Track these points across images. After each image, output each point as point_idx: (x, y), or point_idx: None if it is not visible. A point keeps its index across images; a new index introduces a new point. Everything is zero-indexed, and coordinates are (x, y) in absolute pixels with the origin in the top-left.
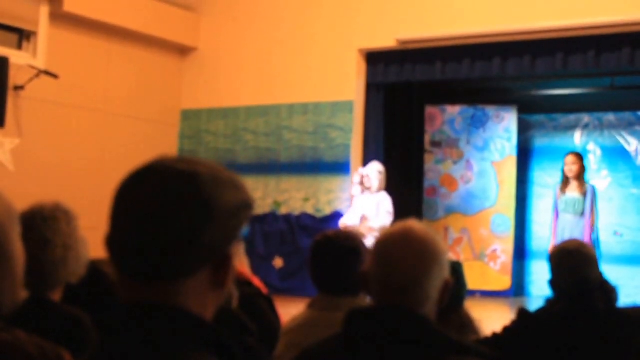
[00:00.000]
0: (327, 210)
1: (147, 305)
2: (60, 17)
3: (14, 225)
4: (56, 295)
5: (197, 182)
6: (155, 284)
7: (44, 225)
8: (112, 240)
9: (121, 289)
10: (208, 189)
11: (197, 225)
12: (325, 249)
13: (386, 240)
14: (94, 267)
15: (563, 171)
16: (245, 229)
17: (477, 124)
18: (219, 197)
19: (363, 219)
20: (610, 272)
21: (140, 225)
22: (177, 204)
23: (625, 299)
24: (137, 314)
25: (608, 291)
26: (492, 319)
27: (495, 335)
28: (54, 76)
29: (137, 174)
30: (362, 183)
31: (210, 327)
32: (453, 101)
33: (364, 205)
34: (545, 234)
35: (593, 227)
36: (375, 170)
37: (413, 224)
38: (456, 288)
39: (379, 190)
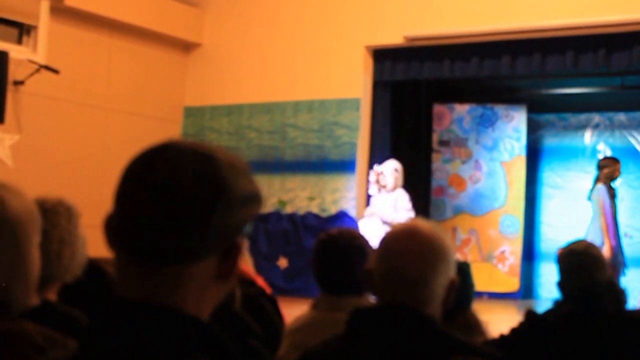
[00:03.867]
0: (333, 210)
1: (140, 305)
2: (61, 11)
3: (35, 229)
4: (51, 294)
5: (213, 163)
6: (158, 270)
7: (43, 217)
8: (120, 218)
9: (119, 278)
10: (224, 172)
11: (210, 205)
12: (330, 248)
13: (392, 237)
14: (93, 265)
15: (608, 175)
16: (250, 226)
17: (486, 123)
18: (233, 181)
19: (376, 216)
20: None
21: (151, 201)
22: (192, 182)
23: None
24: (130, 314)
25: (617, 293)
26: (499, 321)
27: (502, 337)
28: (55, 71)
29: (151, 151)
30: (377, 181)
31: (205, 328)
32: (461, 99)
33: (380, 204)
34: (554, 235)
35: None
36: (391, 168)
37: (419, 221)
38: (463, 288)
39: (394, 188)
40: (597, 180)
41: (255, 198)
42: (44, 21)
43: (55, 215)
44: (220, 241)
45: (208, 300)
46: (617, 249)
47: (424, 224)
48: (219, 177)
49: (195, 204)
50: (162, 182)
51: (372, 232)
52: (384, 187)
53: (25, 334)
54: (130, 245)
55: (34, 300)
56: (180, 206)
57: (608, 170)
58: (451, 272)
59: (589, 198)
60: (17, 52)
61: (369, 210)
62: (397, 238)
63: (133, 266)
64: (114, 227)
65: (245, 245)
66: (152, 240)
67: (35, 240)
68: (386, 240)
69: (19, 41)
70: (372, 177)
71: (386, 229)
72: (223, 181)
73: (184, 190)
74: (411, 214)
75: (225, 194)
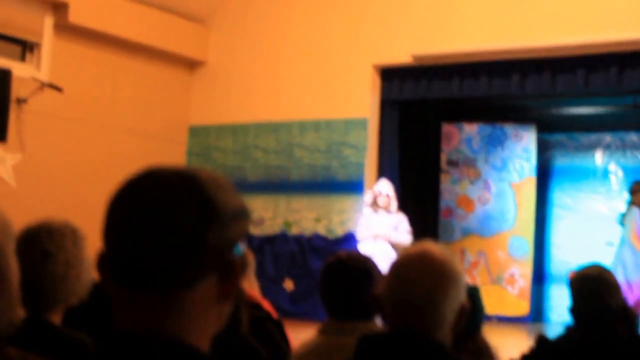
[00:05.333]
0: (340, 231)
1: (138, 338)
2: (65, 28)
3: (9, 241)
4: (56, 317)
5: (198, 183)
6: (156, 299)
7: (48, 239)
8: (111, 251)
9: (116, 310)
10: (209, 190)
11: (201, 225)
12: (337, 272)
13: (403, 261)
14: (99, 288)
15: None
16: (242, 245)
17: (495, 142)
18: (220, 198)
19: (378, 237)
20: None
21: (142, 229)
22: (179, 205)
23: None
24: (129, 347)
25: (630, 319)
26: (509, 346)
27: None
28: (58, 89)
29: (134, 180)
30: (375, 202)
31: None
32: (470, 119)
33: (378, 225)
34: (565, 257)
35: None
36: (391, 189)
37: (430, 245)
38: (473, 313)
39: (394, 209)
40: (630, 204)
41: (243, 213)
42: (47, 38)
43: (61, 238)
44: (215, 260)
45: (210, 323)
46: None
47: (434, 248)
48: (205, 197)
49: (185, 226)
50: (149, 209)
51: (377, 254)
52: (384, 207)
53: None
54: (124, 276)
55: (20, 313)
56: (170, 231)
57: None
58: (461, 297)
59: (621, 222)
60: (20, 70)
61: (367, 230)
62: (407, 262)
63: (129, 297)
64: (107, 259)
65: (253, 267)
66: (147, 268)
67: (10, 250)
68: (396, 265)
69: (22, 59)
70: (369, 197)
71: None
72: (210, 200)
73: (172, 215)
74: (411, 236)
75: (214, 213)
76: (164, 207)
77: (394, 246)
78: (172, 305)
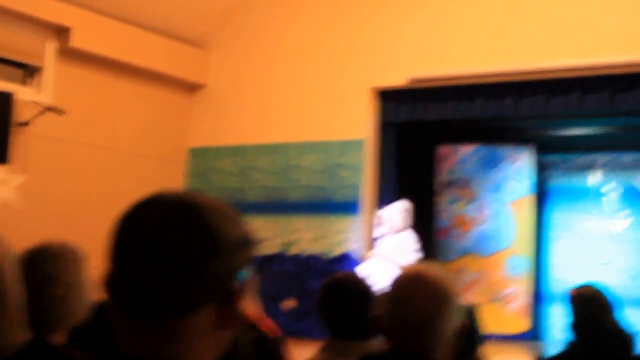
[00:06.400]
0: (337, 251)
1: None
2: (66, 52)
3: (11, 264)
4: (59, 338)
5: (201, 213)
6: (156, 325)
7: (49, 262)
8: (114, 277)
9: (117, 331)
10: (212, 220)
11: (202, 255)
12: (335, 292)
13: (399, 283)
14: (101, 308)
15: None
16: (247, 271)
17: (491, 163)
18: (222, 228)
19: (384, 258)
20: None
21: (143, 257)
22: (181, 234)
23: None
24: None
25: (625, 338)
26: None
27: None
28: (60, 112)
29: (137, 207)
30: (382, 223)
31: None
32: (466, 140)
33: (386, 246)
34: (562, 277)
35: None
36: (398, 209)
37: (426, 266)
38: (471, 332)
39: (402, 229)
40: None
41: (246, 242)
42: (49, 62)
43: (61, 260)
44: (216, 290)
45: (210, 349)
46: None
47: (430, 269)
48: (207, 228)
49: (186, 256)
50: (151, 237)
51: (378, 273)
52: (389, 229)
53: None
54: (125, 302)
55: (20, 337)
56: (171, 260)
57: None
58: (458, 317)
59: None
60: (22, 94)
61: (374, 251)
62: (404, 283)
63: (130, 322)
64: (109, 285)
65: (255, 287)
66: (147, 296)
67: (12, 273)
68: (394, 286)
69: (24, 82)
70: (378, 220)
71: (393, 270)
72: (212, 231)
73: (174, 245)
74: (418, 254)
75: (215, 242)
76: (166, 237)
77: (397, 266)
78: (171, 331)
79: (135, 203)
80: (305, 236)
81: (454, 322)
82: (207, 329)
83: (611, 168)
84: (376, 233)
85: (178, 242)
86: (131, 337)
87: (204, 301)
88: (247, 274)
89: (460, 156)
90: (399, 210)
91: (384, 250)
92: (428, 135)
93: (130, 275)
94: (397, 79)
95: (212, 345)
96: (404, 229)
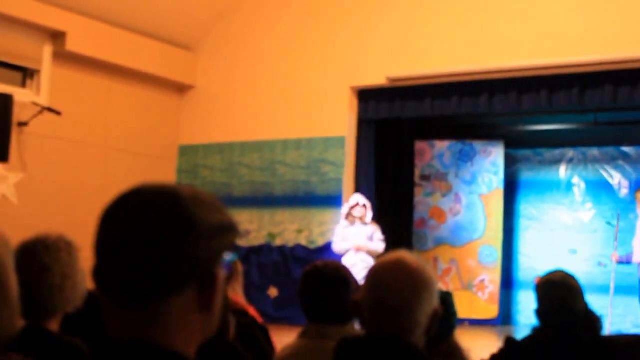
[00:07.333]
0: (320, 242)
1: (124, 345)
2: (63, 56)
3: (9, 255)
4: (54, 325)
5: (177, 199)
6: (141, 307)
7: (45, 253)
8: (98, 265)
9: (106, 318)
10: (188, 206)
11: (180, 240)
12: (315, 279)
13: (379, 268)
14: (93, 296)
15: None
16: (232, 255)
17: (465, 158)
18: (199, 213)
19: (357, 250)
20: (594, 301)
21: (121, 244)
22: (159, 221)
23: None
24: (116, 354)
25: (592, 320)
26: (480, 348)
27: None
28: (57, 113)
29: (120, 198)
30: (350, 214)
31: None
32: (442, 136)
33: (355, 236)
34: (531, 265)
35: None
36: (365, 201)
37: (405, 254)
38: (446, 318)
39: (369, 220)
40: None
41: (227, 228)
42: (46, 65)
43: (57, 251)
44: (194, 273)
45: (193, 332)
46: None
47: (408, 256)
48: (184, 213)
49: (163, 241)
50: (131, 225)
51: (356, 264)
52: (361, 219)
53: None
54: (109, 287)
55: (20, 323)
56: (149, 245)
57: None
58: (435, 302)
59: None
60: (21, 95)
61: (343, 242)
62: (384, 269)
63: (115, 307)
64: (94, 273)
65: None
66: (128, 281)
67: (10, 264)
68: (374, 272)
69: (23, 85)
70: (345, 210)
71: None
72: (189, 216)
73: (152, 230)
74: (384, 244)
75: (192, 228)
76: (144, 222)
77: (371, 255)
78: (153, 315)
79: (121, 192)
80: (290, 228)
81: (430, 307)
82: (190, 311)
83: (578, 162)
84: (342, 224)
85: (155, 227)
86: (117, 323)
87: (183, 284)
88: (231, 260)
89: (436, 151)
90: (364, 201)
91: (355, 240)
92: (406, 132)
93: (110, 262)
94: (376, 78)
95: (195, 327)
96: (370, 220)
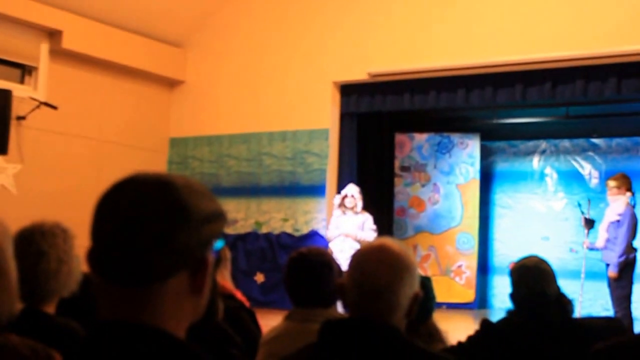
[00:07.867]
0: (305, 230)
1: (117, 326)
2: (59, 53)
3: (8, 241)
4: (50, 308)
5: (170, 188)
6: (135, 290)
7: (41, 239)
8: (94, 248)
9: (100, 301)
10: (181, 194)
11: (171, 226)
12: (299, 265)
13: (363, 253)
14: (88, 280)
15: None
16: (220, 241)
17: (443, 150)
18: (191, 201)
19: (346, 237)
20: (566, 286)
21: (116, 229)
22: (152, 207)
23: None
24: (109, 335)
25: (564, 304)
26: (457, 330)
27: (460, 344)
28: (53, 107)
29: (116, 186)
30: (342, 204)
31: (180, 344)
32: (421, 129)
33: (346, 224)
34: (506, 251)
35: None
36: (357, 192)
37: (387, 239)
38: (425, 301)
39: (360, 210)
40: None
41: (217, 216)
42: (43, 62)
43: (53, 237)
44: (186, 258)
45: (184, 314)
46: None
47: (391, 242)
48: (176, 200)
49: (155, 226)
50: (125, 210)
51: (343, 250)
52: (351, 208)
53: (12, 346)
54: (103, 271)
55: (18, 307)
56: (142, 230)
57: None
58: (415, 286)
59: None
60: (19, 91)
61: (336, 230)
62: (367, 253)
63: (109, 290)
64: (89, 257)
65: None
66: (121, 264)
67: (9, 250)
68: (357, 256)
69: (22, 81)
70: (338, 200)
71: (355, 246)
72: (181, 203)
73: (145, 216)
74: (376, 233)
75: (183, 215)
76: (139, 209)
77: (361, 243)
78: (145, 297)
79: (117, 180)
80: (276, 216)
81: (411, 290)
82: (181, 295)
83: (551, 153)
84: (335, 213)
85: (148, 213)
86: (110, 305)
87: (175, 269)
88: (219, 246)
89: (416, 143)
90: (357, 192)
91: (346, 228)
92: (386, 125)
93: (106, 246)
94: (358, 73)
95: (186, 310)
96: (361, 209)
